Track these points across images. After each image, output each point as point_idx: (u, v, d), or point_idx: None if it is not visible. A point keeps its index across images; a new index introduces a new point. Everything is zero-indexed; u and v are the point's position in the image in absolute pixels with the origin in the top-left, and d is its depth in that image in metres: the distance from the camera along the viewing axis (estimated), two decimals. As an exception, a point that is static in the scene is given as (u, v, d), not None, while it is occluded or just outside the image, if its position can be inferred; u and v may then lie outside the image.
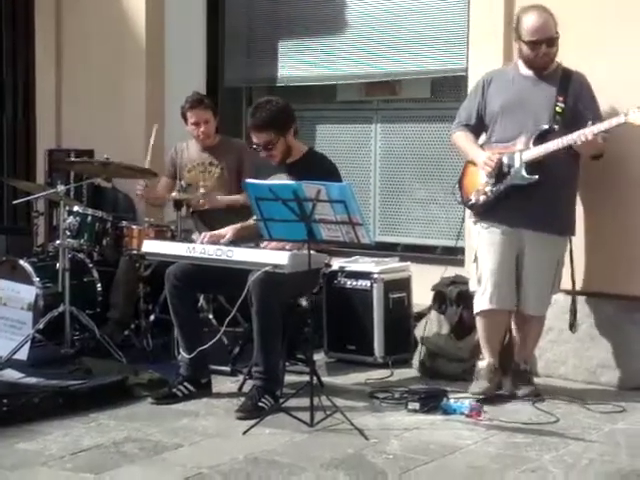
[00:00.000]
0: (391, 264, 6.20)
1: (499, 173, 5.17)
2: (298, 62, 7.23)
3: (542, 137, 5.10)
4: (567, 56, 5.25)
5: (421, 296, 6.01)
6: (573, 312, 5.36)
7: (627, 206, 5.44)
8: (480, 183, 5.24)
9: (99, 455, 4.38)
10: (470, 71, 6.01)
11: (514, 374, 5.32)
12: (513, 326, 5.41)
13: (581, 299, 5.50)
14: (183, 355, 5.25)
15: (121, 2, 7.47)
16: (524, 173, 5.11)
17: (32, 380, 5.29)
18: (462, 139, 5.39)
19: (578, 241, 5.46)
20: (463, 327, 5.66)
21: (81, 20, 7.67)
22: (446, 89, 6.69)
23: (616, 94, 5.24)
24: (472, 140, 5.35)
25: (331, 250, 5.38)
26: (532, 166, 5.09)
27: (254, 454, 4.35)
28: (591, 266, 5.52)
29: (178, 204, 6.09)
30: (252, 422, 4.69)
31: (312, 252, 4.86)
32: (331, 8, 7.06)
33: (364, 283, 6.02)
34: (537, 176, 5.07)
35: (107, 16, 7.52)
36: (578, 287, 5.47)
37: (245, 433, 4.62)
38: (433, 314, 5.79)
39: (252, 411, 4.88)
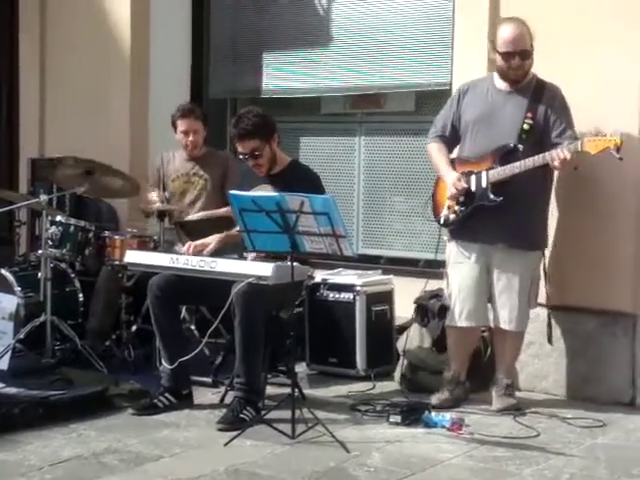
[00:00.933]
0: (374, 277, 6.21)
1: (467, 193, 5.20)
2: (283, 74, 7.24)
3: (508, 156, 5.14)
4: (555, 71, 5.29)
5: (403, 309, 6.01)
6: (549, 325, 5.39)
7: (608, 221, 5.45)
8: (450, 200, 5.28)
9: (79, 466, 4.37)
10: (454, 85, 6.01)
11: (496, 388, 5.34)
12: (493, 341, 5.44)
13: (562, 314, 5.53)
14: (164, 366, 5.24)
15: (106, 12, 7.47)
16: (490, 195, 5.15)
17: (12, 390, 5.25)
18: (435, 152, 5.41)
19: (558, 256, 5.48)
20: (445, 340, 5.65)
21: (65, 29, 7.66)
22: (430, 103, 6.70)
23: (601, 109, 5.28)
24: (444, 155, 5.38)
25: (314, 262, 5.39)
26: (498, 186, 5.13)
27: (235, 466, 4.34)
28: (571, 281, 5.54)
29: (161, 215, 6.08)
30: (233, 434, 4.68)
31: (296, 264, 4.87)
32: (316, 21, 7.08)
33: (347, 295, 6.02)
34: (502, 198, 5.10)
35: (92, 26, 7.51)
36: (559, 302, 5.52)
37: (226, 445, 4.61)
38: (415, 327, 5.79)
39: (233, 423, 4.87)
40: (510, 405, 5.25)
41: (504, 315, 5.27)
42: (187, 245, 5.39)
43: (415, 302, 5.82)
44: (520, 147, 5.12)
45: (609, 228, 5.45)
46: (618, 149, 4.91)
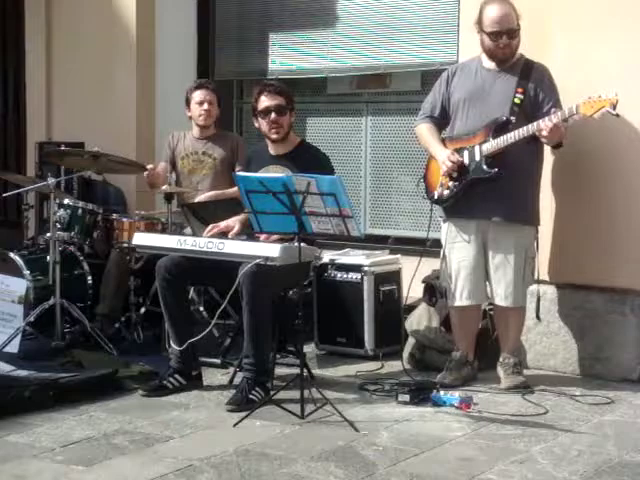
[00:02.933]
0: (381, 257, 6.21)
1: (461, 168, 5.21)
2: (289, 55, 7.24)
3: (501, 129, 5.15)
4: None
5: (411, 289, 6.01)
6: (537, 301, 5.40)
7: (617, 199, 5.45)
8: (443, 178, 5.29)
9: (90, 447, 4.39)
10: (460, 64, 6.01)
11: (503, 367, 5.35)
12: (495, 319, 5.45)
13: (570, 292, 5.54)
14: (173, 347, 5.26)
15: (111, -3, 7.47)
16: (484, 166, 5.16)
17: (23, 373, 5.28)
18: (425, 132, 5.42)
19: (567, 233, 5.48)
20: (453, 319, 5.67)
21: (71, 14, 7.65)
22: (436, 82, 6.68)
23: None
24: (435, 134, 5.39)
25: (322, 242, 5.40)
26: (492, 159, 5.14)
27: (245, 446, 4.36)
28: (580, 258, 5.54)
29: (169, 197, 6.09)
30: (243, 414, 4.70)
31: (303, 245, 4.88)
32: (322, 1, 7.06)
33: (354, 276, 6.03)
34: (497, 169, 5.12)
35: (97, 9, 7.51)
36: (567, 280, 5.52)
37: (236, 425, 4.63)
38: (423, 306, 5.81)
39: (242, 403, 4.89)
40: (518, 383, 5.26)
41: (500, 291, 5.29)
42: (210, 227, 5.39)
43: (423, 281, 5.83)
44: (512, 119, 5.14)
45: (618, 205, 5.44)
46: (614, 106, 4.89)
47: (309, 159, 5.31)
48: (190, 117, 6.48)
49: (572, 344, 5.58)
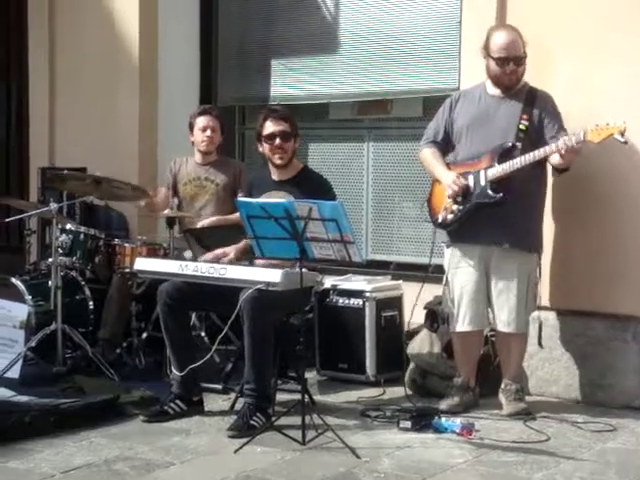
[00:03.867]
0: (383, 282, 6.21)
1: (465, 192, 5.22)
2: (291, 81, 7.26)
3: (506, 155, 5.16)
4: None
5: (414, 314, 6.00)
6: (539, 327, 5.39)
7: (618, 225, 5.45)
8: (447, 201, 5.30)
9: (90, 474, 4.38)
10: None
11: (505, 393, 5.33)
12: (497, 345, 5.44)
13: (571, 318, 5.53)
14: (175, 373, 5.26)
15: (115, 19, 7.49)
16: (489, 191, 5.17)
17: (24, 398, 5.27)
18: (429, 156, 5.45)
19: (568, 259, 5.48)
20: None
21: (74, 37, 7.68)
22: (438, 108, 6.69)
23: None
24: (439, 158, 5.41)
25: (323, 268, 5.41)
26: (497, 184, 5.14)
27: (246, 472, 4.35)
28: (581, 285, 5.54)
29: (171, 222, 6.10)
30: (244, 440, 4.69)
31: (304, 270, 4.88)
32: (324, 27, 7.09)
33: (356, 301, 6.02)
34: (502, 194, 5.13)
35: (101, 33, 7.54)
36: (569, 306, 5.52)
37: (237, 452, 4.62)
38: (425, 332, 5.80)
39: (244, 429, 4.88)
40: (520, 409, 5.25)
41: (503, 317, 5.28)
42: (207, 254, 5.43)
43: (425, 307, 5.83)
44: (519, 145, 5.15)
45: (619, 232, 5.45)
46: (622, 134, 4.90)
47: (312, 185, 5.33)
48: (193, 142, 6.50)
49: (574, 371, 5.57)
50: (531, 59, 5.34)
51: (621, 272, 5.46)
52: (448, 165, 5.39)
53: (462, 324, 5.37)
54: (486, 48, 5.26)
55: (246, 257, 5.38)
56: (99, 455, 4.61)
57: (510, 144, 5.16)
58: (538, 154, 5.07)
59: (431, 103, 6.73)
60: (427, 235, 6.69)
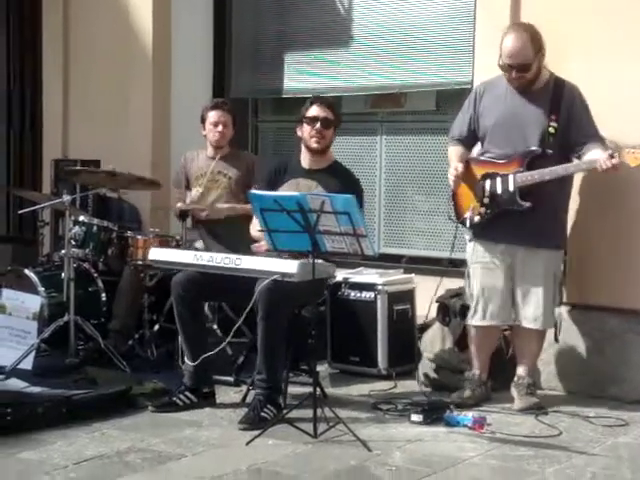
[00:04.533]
0: (395, 276, 6.21)
1: (492, 195, 5.20)
2: (304, 74, 7.25)
3: (536, 160, 5.13)
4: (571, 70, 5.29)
5: (425, 308, 6.00)
6: (558, 323, 5.39)
7: (631, 219, 5.44)
8: (474, 202, 5.27)
9: (102, 465, 4.39)
10: (475, 84, 6.01)
11: (517, 387, 5.33)
12: (514, 340, 5.43)
13: (585, 313, 5.52)
14: (187, 363, 5.26)
15: (128, 14, 7.50)
16: (518, 199, 5.14)
17: (36, 390, 5.28)
18: (452, 154, 5.44)
19: (582, 254, 5.46)
20: (466, 339, 5.65)
21: (88, 32, 7.70)
22: (451, 102, 6.69)
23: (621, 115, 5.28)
24: (458, 154, 5.38)
25: (335, 261, 5.41)
26: (525, 189, 5.12)
27: (257, 465, 4.35)
28: (595, 279, 5.53)
29: (183, 215, 6.10)
30: (255, 433, 4.69)
31: (320, 261, 4.88)
32: (337, 20, 7.08)
33: (368, 295, 6.02)
34: (530, 203, 5.10)
35: (114, 28, 7.55)
36: (582, 301, 5.51)
37: (248, 444, 4.62)
38: (437, 326, 5.79)
39: (255, 422, 4.89)
40: (532, 404, 5.24)
41: (529, 314, 5.26)
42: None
43: (437, 301, 5.82)
44: (549, 152, 5.11)
45: (632, 226, 5.43)
46: None
47: (343, 178, 5.39)
48: (205, 136, 6.50)
49: (586, 365, 5.56)
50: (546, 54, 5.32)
51: (635, 267, 5.44)
52: (471, 162, 5.32)
53: (483, 318, 5.33)
54: (500, 49, 5.21)
55: None
56: (111, 446, 4.62)
57: (541, 151, 5.12)
58: (567, 169, 5.05)
59: (444, 97, 6.75)
60: (439, 228, 6.71)
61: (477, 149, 5.44)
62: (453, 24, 6.55)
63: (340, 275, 6.06)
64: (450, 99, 6.69)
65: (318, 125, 5.41)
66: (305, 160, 5.51)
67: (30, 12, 8.20)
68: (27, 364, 5.72)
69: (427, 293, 5.93)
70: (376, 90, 6.97)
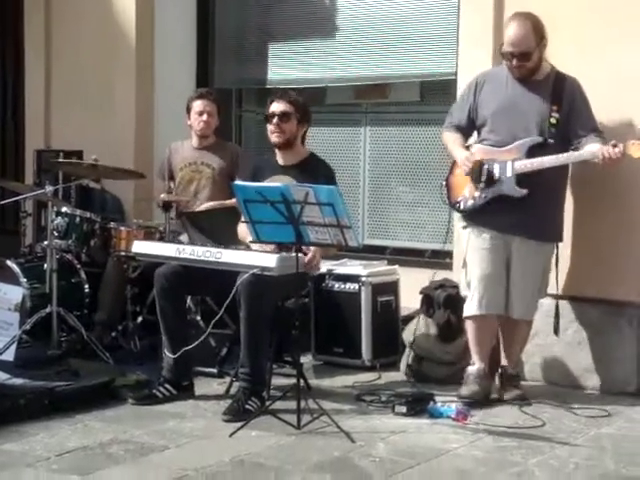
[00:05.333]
0: (379, 267, 6.20)
1: (489, 179, 5.19)
2: (288, 64, 7.23)
3: (536, 149, 5.12)
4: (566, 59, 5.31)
5: (409, 299, 6.01)
6: (557, 316, 5.38)
7: (615, 212, 5.45)
8: (469, 186, 5.26)
9: (85, 456, 4.38)
10: (459, 75, 6.01)
11: (502, 378, 5.33)
12: (500, 330, 5.43)
13: (567, 304, 5.52)
14: (167, 356, 5.25)
15: (111, 4, 7.46)
16: (515, 186, 5.13)
17: (18, 381, 5.27)
18: (450, 140, 5.40)
19: (564, 246, 5.47)
20: (451, 330, 5.66)
21: (71, 21, 7.65)
22: (435, 93, 6.69)
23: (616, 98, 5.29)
24: (459, 141, 5.37)
25: (332, 254, 5.41)
26: (522, 176, 5.11)
27: (240, 456, 4.35)
28: (577, 271, 5.54)
29: (166, 206, 6.08)
30: (239, 424, 4.69)
31: (300, 255, 4.87)
32: (322, 11, 7.07)
33: (352, 286, 6.02)
34: (527, 190, 5.09)
35: (97, 17, 7.51)
36: (564, 291, 5.50)
37: (231, 435, 4.62)
38: (421, 317, 5.79)
39: (238, 413, 4.88)
40: (516, 395, 5.24)
41: (518, 305, 5.25)
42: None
43: (421, 292, 5.83)
44: (551, 141, 5.11)
45: (616, 218, 5.44)
46: None
47: (316, 171, 5.35)
48: (190, 126, 6.48)
49: (570, 356, 5.57)
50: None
51: (617, 258, 5.46)
52: (469, 147, 5.33)
53: (479, 307, 5.25)
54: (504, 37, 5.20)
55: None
56: (94, 438, 4.61)
57: (542, 140, 5.12)
58: (566, 159, 5.04)
59: (428, 88, 6.74)
60: (424, 220, 6.72)
61: (474, 137, 5.43)
62: (438, 16, 6.54)
63: (324, 267, 6.04)
64: (434, 90, 6.69)
65: (275, 120, 5.41)
66: (279, 156, 5.51)
67: (13, 3, 8.14)
68: (9, 355, 5.70)
69: (411, 284, 5.95)
70: (360, 81, 6.95)
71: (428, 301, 5.77)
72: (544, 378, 5.65)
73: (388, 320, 6.06)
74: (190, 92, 6.83)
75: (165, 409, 5.10)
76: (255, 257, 5.01)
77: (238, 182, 5.10)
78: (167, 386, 5.25)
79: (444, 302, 5.69)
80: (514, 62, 5.15)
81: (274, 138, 5.44)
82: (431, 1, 6.57)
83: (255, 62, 7.40)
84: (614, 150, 4.92)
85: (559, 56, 5.32)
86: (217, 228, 5.63)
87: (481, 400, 5.18)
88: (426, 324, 5.76)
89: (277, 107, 5.44)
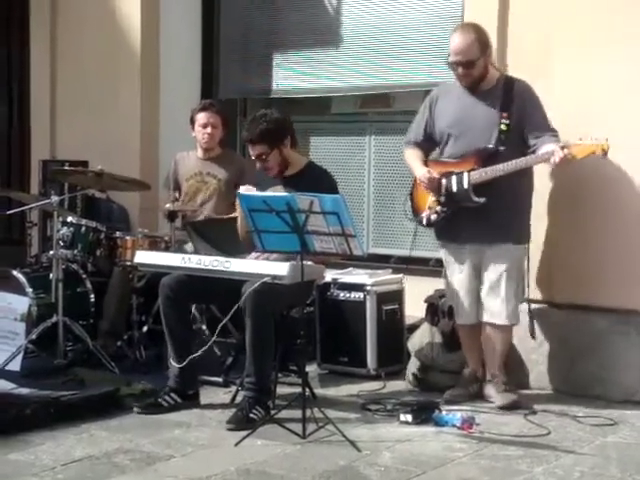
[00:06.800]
0: (384, 276, 6.21)
1: (448, 193, 5.23)
2: (293, 74, 7.25)
3: (490, 157, 5.16)
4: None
5: (414, 308, 6.01)
6: (530, 319, 5.40)
7: (620, 219, 5.45)
8: (431, 200, 5.33)
9: (91, 466, 4.38)
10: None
11: (494, 386, 5.35)
12: (482, 339, 5.44)
13: (573, 312, 5.53)
14: (172, 365, 5.26)
15: (116, 13, 7.49)
16: (472, 196, 5.18)
17: (24, 391, 5.28)
18: (409, 156, 5.50)
19: (569, 253, 5.48)
20: (455, 339, 5.66)
21: (76, 31, 7.68)
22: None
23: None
24: (418, 156, 5.45)
25: (329, 262, 5.41)
26: (480, 186, 5.15)
27: (246, 465, 4.35)
28: (583, 279, 5.54)
29: (172, 215, 6.09)
30: (244, 433, 4.69)
31: (310, 263, 4.88)
32: (326, 21, 7.08)
33: (357, 295, 6.02)
34: (484, 199, 5.14)
35: (102, 27, 7.54)
36: (570, 300, 5.52)
37: (237, 444, 4.62)
38: (426, 326, 5.80)
39: (243, 422, 4.88)
40: (512, 400, 5.26)
41: (495, 309, 5.29)
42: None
43: (426, 301, 5.83)
44: (501, 149, 5.16)
45: (621, 226, 5.45)
46: (605, 153, 4.94)
47: (314, 181, 5.31)
48: (195, 137, 6.49)
49: (575, 365, 5.56)
50: (531, 55, 5.33)
51: (623, 267, 5.46)
52: (428, 162, 5.40)
53: (459, 318, 5.46)
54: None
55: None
56: (99, 448, 4.61)
57: (493, 148, 5.17)
58: (520, 164, 5.08)
59: (433, 97, 6.74)
60: (428, 229, 6.70)
61: (435, 153, 5.49)
62: (442, 25, 6.55)
63: (329, 276, 6.06)
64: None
65: (259, 164, 5.38)
66: None
67: (18, 12, 8.17)
68: (15, 365, 5.71)
69: (416, 293, 5.95)
70: (365, 90, 6.96)
71: (433, 310, 5.78)
72: (549, 386, 5.64)
73: (393, 329, 6.06)
74: (195, 102, 6.85)
75: (171, 418, 5.11)
76: (265, 266, 5.00)
77: (243, 192, 5.11)
78: (173, 395, 5.25)
79: (449, 311, 5.69)
80: (459, 71, 5.21)
81: (272, 176, 5.41)
82: (434, 10, 6.58)
83: (260, 72, 7.41)
84: (562, 152, 4.93)
85: (562, 57, 5.34)
86: (222, 238, 5.63)
87: (462, 402, 5.27)
88: (431, 333, 5.76)
89: (252, 151, 5.37)
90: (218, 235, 5.58)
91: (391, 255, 6.81)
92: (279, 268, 4.92)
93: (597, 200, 5.49)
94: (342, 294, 6.08)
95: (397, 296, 6.14)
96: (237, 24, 7.56)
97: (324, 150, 7.17)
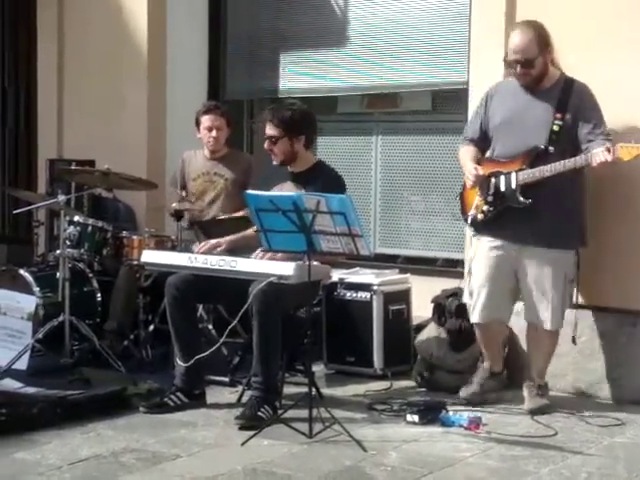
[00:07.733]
0: (391, 276, 6.20)
1: (496, 193, 5.19)
2: (299, 74, 7.25)
3: (539, 158, 5.11)
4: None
5: (421, 308, 6.01)
6: (575, 325, 5.35)
7: (629, 221, 5.43)
8: (479, 200, 5.26)
9: (97, 465, 4.38)
10: (471, 84, 6.03)
11: (528, 388, 5.29)
12: (527, 341, 5.41)
13: (581, 312, 5.50)
14: (179, 365, 5.25)
15: (123, 13, 7.49)
16: (519, 197, 5.12)
17: (31, 390, 5.29)
18: (463, 154, 5.41)
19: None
20: (462, 339, 5.65)
21: (83, 31, 7.68)
22: (447, 102, 6.70)
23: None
24: (471, 154, 5.37)
25: (335, 262, 5.41)
26: (528, 187, 5.10)
27: (252, 465, 4.35)
28: (592, 279, 5.51)
29: (178, 214, 6.09)
30: (251, 433, 4.69)
31: (316, 263, 4.88)
32: (333, 20, 7.08)
33: (364, 295, 6.02)
34: (530, 200, 5.08)
35: (109, 27, 7.54)
36: (579, 300, 5.48)
37: (244, 444, 4.62)
38: (432, 326, 5.79)
39: (250, 422, 4.88)
40: (542, 405, 5.20)
41: (539, 314, 5.22)
42: (201, 244, 5.43)
43: (433, 301, 5.82)
44: (551, 149, 5.09)
45: (630, 228, 5.42)
46: None
47: (322, 179, 5.31)
48: (200, 138, 6.49)
49: (582, 365, 5.55)
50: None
51: (632, 268, 5.44)
52: (481, 161, 5.32)
53: (480, 316, 5.30)
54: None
55: (242, 249, 5.35)
56: (106, 447, 4.62)
57: (543, 147, 5.10)
58: (568, 165, 4.99)
59: (440, 97, 6.75)
60: (435, 228, 6.72)
61: (490, 149, 5.43)
62: (448, 24, 6.54)
63: (336, 275, 6.05)
64: (446, 99, 6.70)
65: (266, 143, 5.39)
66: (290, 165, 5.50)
67: (25, 11, 8.18)
68: (22, 364, 5.72)
69: (423, 293, 5.94)
70: (371, 90, 6.96)
71: (440, 310, 5.77)
72: (557, 387, 5.62)
73: (400, 329, 6.05)
74: (201, 102, 6.85)
75: (177, 418, 5.11)
76: (272, 265, 5.00)
77: (250, 191, 5.11)
78: (179, 395, 5.25)
79: (456, 311, 5.68)
80: (518, 69, 5.16)
81: (272, 159, 5.43)
82: (442, 9, 6.57)
83: (266, 72, 7.41)
84: (605, 154, 4.87)
85: (567, 61, 5.33)
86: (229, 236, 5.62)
87: (477, 403, 5.23)
88: (438, 333, 5.75)
89: (267, 130, 5.39)
90: (225, 235, 5.58)
91: (398, 255, 6.81)
92: (285, 268, 4.91)
93: (608, 202, 5.40)
94: (349, 294, 6.07)
95: (404, 296, 6.13)
96: (244, 24, 7.56)
97: (331, 150, 7.16)
